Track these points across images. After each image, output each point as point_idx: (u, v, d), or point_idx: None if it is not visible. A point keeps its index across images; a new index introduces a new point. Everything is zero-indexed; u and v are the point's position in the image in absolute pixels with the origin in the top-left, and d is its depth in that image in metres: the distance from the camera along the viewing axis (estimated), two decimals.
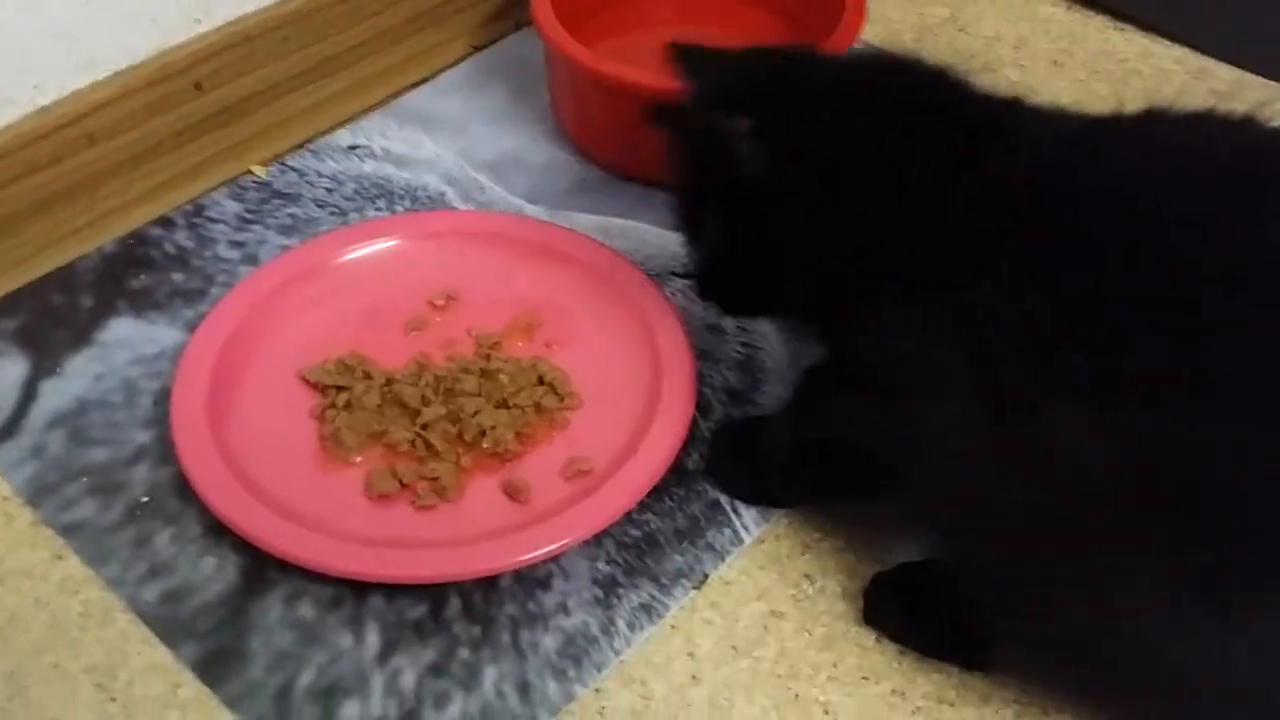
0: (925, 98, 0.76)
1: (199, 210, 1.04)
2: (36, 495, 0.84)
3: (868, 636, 0.80)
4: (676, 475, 0.85)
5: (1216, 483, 0.60)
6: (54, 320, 0.95)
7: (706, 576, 0.82)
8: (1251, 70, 1.22)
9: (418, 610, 0.80)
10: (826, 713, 0.76)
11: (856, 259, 0.73)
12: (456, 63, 1.20)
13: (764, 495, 0.86)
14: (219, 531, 0.81)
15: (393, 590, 0.80)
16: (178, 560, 0.81)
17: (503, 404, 0.88)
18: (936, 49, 1.22)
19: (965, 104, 0.76)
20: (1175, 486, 0.61)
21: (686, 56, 0.84)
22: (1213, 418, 0.60)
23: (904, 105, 0.75)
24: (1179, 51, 1.25)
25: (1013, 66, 1.23)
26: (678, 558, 0.83)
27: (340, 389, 0.88)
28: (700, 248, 0.84)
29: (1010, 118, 0.75)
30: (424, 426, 0.86)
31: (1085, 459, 0.62)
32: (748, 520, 0.85)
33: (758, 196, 0.76)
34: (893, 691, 0.78)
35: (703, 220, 0.82)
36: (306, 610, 0.79)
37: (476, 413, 0.87)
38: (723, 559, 0.83)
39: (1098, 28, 1.28)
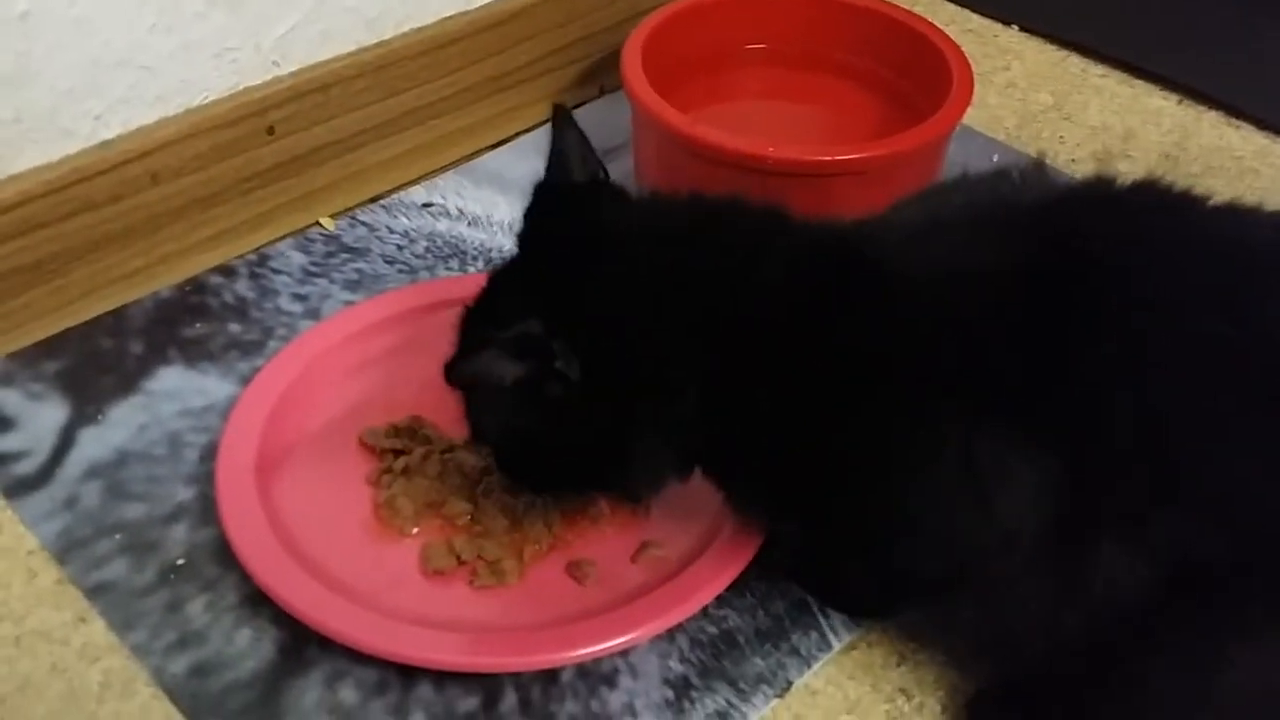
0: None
1: (262, 260, 0.99)
2: (65, 551, 0.78)
3: None
4: (759, 568, 0.77)
5: None
6: (100, 365, 0.89)
7: (790, 684, 0.74)
8: None
9: (469, 702, 0.72)
10: None
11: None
12: (537, 126, 1.15)
13: (847, 604, 0.78)
14: (258, 601, 0.74)
15: (443, 677, 0.72)
16: (211, 630, 0.74)
17: None
18: (1040, 137, 1.19)
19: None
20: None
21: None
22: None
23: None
24: None
25: (1122, 158, 1.17)
26: (758, 660, 0.75)
27: (398, 454, 0.82)
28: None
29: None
30: (484, 495, 0.79)
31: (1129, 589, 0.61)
32: (837, 623, 0.77)
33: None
34: None
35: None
36: (348, 694, 0.72)
37: None
38: (809, 665, 0.75)
39: (1211, 123, 1.21)
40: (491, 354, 0.66)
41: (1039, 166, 0.77)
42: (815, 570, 0.78)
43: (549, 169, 0.74)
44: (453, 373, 0.67)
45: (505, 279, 0.73)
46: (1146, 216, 0.66)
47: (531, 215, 0.73)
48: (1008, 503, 0.62)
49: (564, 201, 0.73)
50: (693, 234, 0.70)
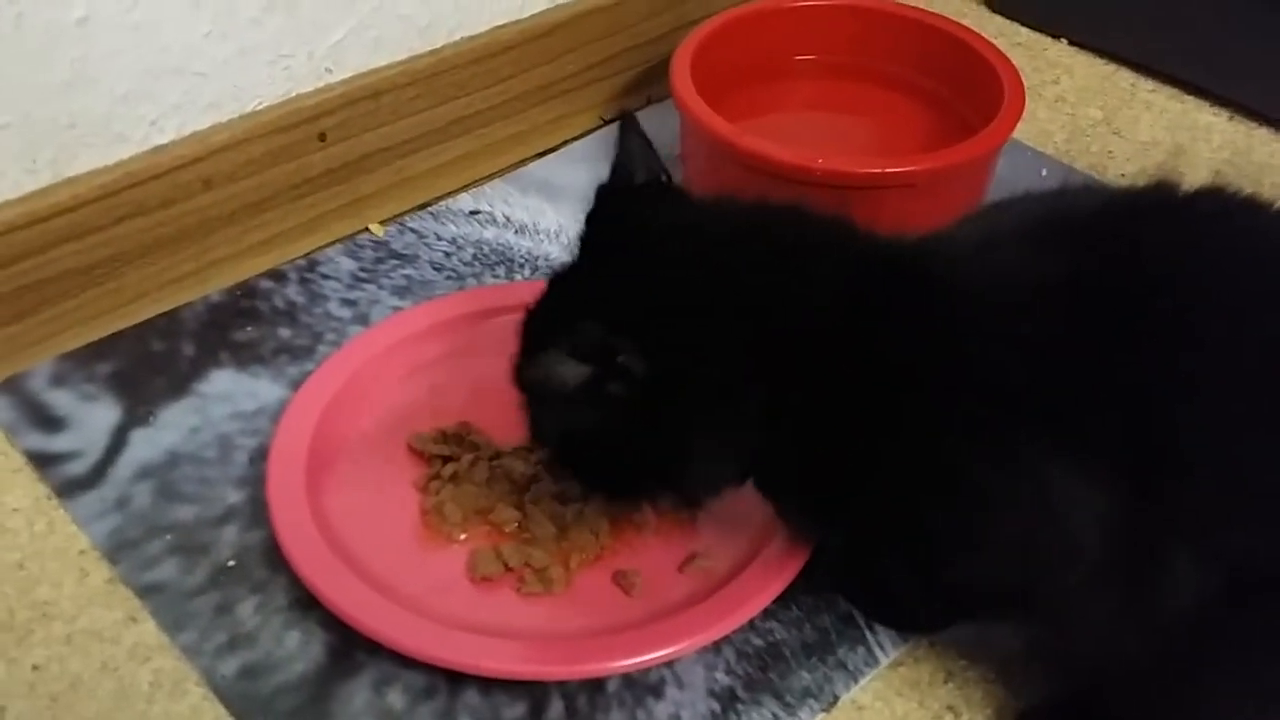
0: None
1: (312, 265, 1.00)
2: (116, 551, 0.79)
3: None
4: (805, 580, 0.77)
5: None
6: (152, 367, 0.90)
7: (837, 698, 0.74)
8: None
9: (516, 709, 0.72)
10: None
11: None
12: (585, 134, 1.15)
13: (896, 619, 0.78)
14: (307, 604, 0.75)
15: (490, 684, 0.72)
16: (260, 632, 0.75)
17: None
18: (1089, 152, 1.18)
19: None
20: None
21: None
22: None
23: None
24: None
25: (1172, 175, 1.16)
26: (805, 674, 0.74)
27: (447, 460, 0.82)
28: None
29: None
30: (533, 503, 0.80)
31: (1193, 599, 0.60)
32: (884, 638, 0.77)
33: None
34: None
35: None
36: (396, 699, 0.72)
37: (587, 494, 0.80)
38: (855, 680, 0.74)
39: (1262, 140, 1.20)
40: (554, 355, 0.66)
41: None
42: (864, 584, 0.78)
43: (612, 172, 0.74)
44: (520, 376, 0.68)
45: (565, 282, 0.73)
46: (1208, 222, 0.65)
47: (593, 218, 0.73)
48: (1077, 516, 0.61)
49: (625, 204, 0.73)
50: (756, 239, 0.69)
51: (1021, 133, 1.08)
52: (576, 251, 0.73)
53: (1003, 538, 0.64)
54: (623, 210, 0.73)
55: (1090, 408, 0.61)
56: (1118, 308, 0.62)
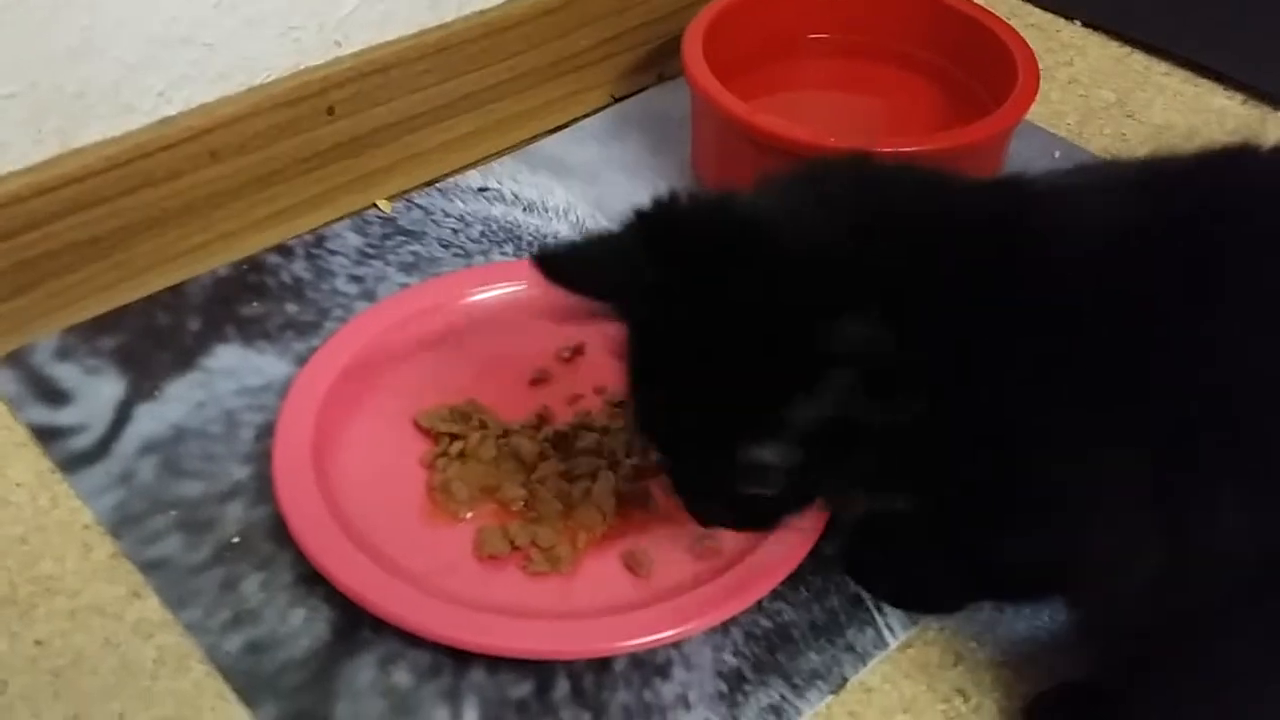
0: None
1: (319, 241, 0.99)
2: (120, 525, 0.78)
3: None
4: (814, 561, 0.76)
5: None
6: (157, 341, 0.90)
7: (845, 680, 0.73)
8: None
9: (522, 688, 0.71)
10: None
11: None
12: (595, 111, 1.14)
13: (910, 599, 0.77)
14: (312, 581, 0.74)
15: (496, 663, 0.72)
16: (265, 609, 0.74)
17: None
18: (1102, 134, 1.17)
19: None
20: None
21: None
22: None
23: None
24: None
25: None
26: (813, 656, 0.74)
27: (454, 437, 0.82)
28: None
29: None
30: (540, 481, 0.79)
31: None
32: (893, 620, 0.76)
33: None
34: None
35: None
36: (401, 677, 0.71)
37: (595, 473, 0.79)
38: (864, 662, 0.74)
39: (1277, 124, 1.19)
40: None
41: None
42: (883, 565, 0.78)
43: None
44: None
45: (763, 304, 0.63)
46: None
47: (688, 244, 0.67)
48: (1119, 483, 0.60)
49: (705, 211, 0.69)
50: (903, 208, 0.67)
51: (1034, 114, 1.07)
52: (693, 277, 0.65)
53: (1058, 510, 0.63)
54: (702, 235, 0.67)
55: (1161, 361, 0.60)
56: (1193, 261, 0.60)
